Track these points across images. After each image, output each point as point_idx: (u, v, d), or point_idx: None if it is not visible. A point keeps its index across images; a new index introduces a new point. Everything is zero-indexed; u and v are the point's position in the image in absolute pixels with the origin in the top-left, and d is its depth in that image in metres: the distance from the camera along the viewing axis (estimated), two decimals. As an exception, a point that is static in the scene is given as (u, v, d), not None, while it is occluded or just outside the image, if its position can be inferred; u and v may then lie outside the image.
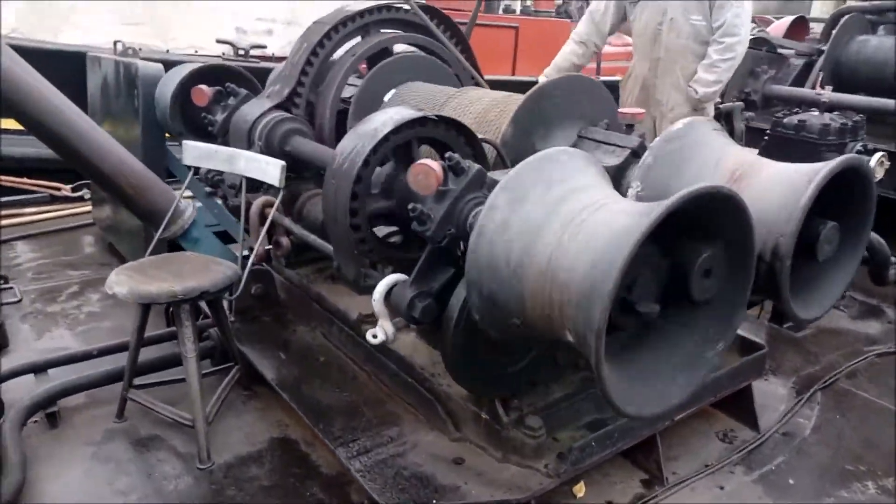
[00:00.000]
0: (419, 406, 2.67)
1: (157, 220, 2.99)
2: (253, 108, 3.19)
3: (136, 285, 2.54)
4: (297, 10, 7.14)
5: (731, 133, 4.76)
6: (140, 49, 4.75)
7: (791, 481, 2.76)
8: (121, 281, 2.56)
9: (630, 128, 2.46)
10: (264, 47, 6.76)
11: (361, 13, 3.29)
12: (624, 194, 2.24)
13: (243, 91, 3.41)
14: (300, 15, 6.92)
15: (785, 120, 4.03)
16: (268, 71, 3.80)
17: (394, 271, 2.39)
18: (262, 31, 7.20)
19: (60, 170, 5.01)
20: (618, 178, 2.31)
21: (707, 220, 1.58)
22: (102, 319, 3.81)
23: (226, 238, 3.90)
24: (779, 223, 1.81)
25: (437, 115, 2.22)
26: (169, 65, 4.06)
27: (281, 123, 3.06)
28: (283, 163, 2.78)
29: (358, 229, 2.21)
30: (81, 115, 2.97)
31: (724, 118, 4.68)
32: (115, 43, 4.38)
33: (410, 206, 1.98)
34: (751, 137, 5.15)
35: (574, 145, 2.49)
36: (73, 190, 5.68)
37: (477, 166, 2.02)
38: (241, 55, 6.27)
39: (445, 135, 2.29)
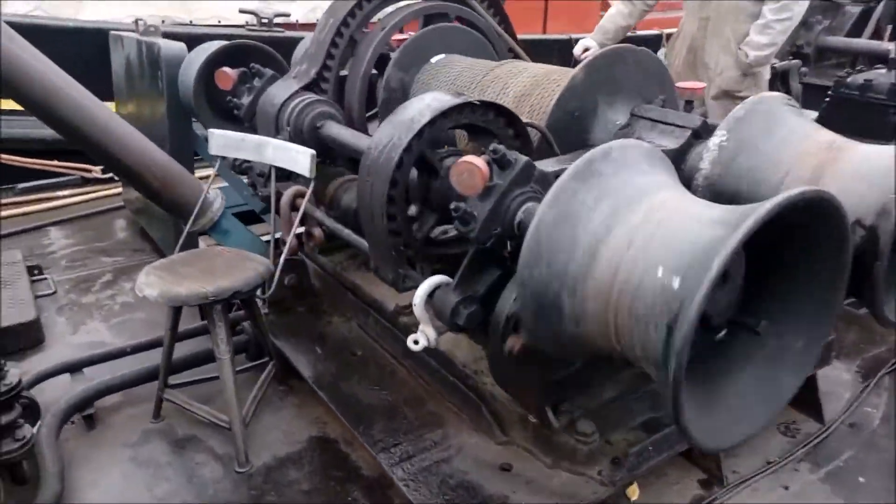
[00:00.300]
0: (462, 406, 2.54)
1: (185, 214, 2.88)
2: (279, 91, 3.02)
3: (167, 287, 2.43)
4: (321, -24, 6.88)
5: (788, 94, 4.42)
6: (163, 21, 4.59)
7: (861, 479, 2.59)
8: (151, 282, 2.46)
9: (689, 104, 2.24)
10: (288, 15, 6.55)
11: (389, -17, 3.08)
12: (687, 181, 2.05)
13: (269, 71, 3.24)
14: (324, -20, 6.66)
15: (849, 79, 3.73)
16: (293, 41, 3.62)
17: (434, 271, 2.25)
18: (285, -3, 6.97)
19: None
20: (678, 161, 2.10)
21: (794, 220, 1.39)
22: (136, 310, 3.75)
23: (253, 218, 3.78)
24: (873, 216, 1.61)
25: (479, 101, 2.03)
26: (192, 38, 3.91)
27: (309, 107, 2.89)
28: (313, 152, 2.63)
29: (397, 232, 2.05)
30: (101, 106, 2.84)
31: (780, 78, 4.35)
32: (136, 21, 4.23)
33: (453, 206, 1.81)
34: (805, 95, 4.82)
35: (627, 125, 2.28)
36: (104, 171, 5.61)
37: (524, 158, 1.84)
38: (264, 24, 6.08)
39: (486, 120, 2.10)
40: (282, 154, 2.70)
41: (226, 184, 3.77)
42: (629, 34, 4.61)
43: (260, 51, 3.59)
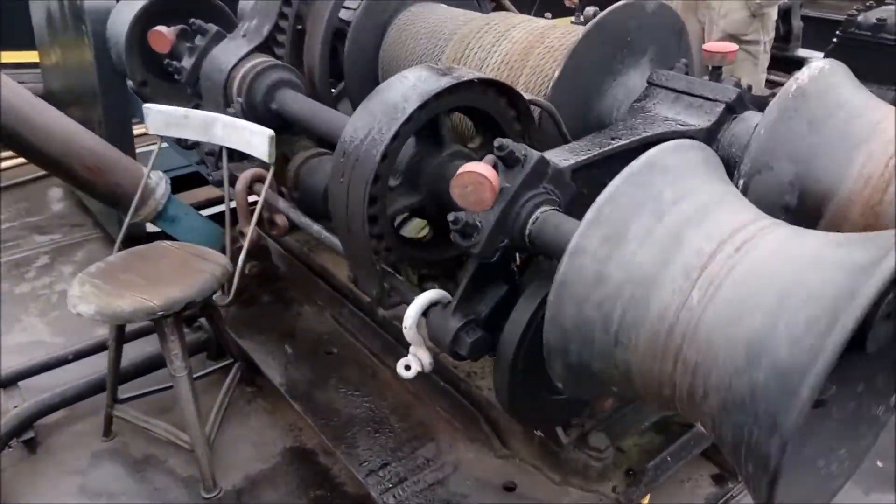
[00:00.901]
0: (455, 414, 2.28)
1: (124, 204, 2.48)
2: (227, 54, 2.58)
3: (106, 301, 2.07)
4: None
5: (789, 35, 4.06)
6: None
7: (880, 464, 2.45)
8: (86, 295, 2.09)
9: (717, 71, 1.92)
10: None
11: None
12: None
13: (212, 27, 2.77)
14: None
15: (859, 18, 3.40)
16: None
17: (422, 276, 1.93)
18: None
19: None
20: (708, 143, 1.80)
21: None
22: (79, 298, 3.35)
23: (202, 180, 3.33)
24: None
25: (477, 79, 1.67)
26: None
27: (263, 74, 2.47)
28: (271, 133, 2.24)
29: (379, 237, 1.72)
30: (13, 88, 2.36)
31: (781, 17, 3.99)
32: (52, -37, 3.65)
33: (451, 218, 1.48)
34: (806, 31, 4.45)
35: (644, 97, 1.96)
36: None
37: (535, 155, 1.51)
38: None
39: (484, 100, 1.75)
40: (234, 134, 2.31)
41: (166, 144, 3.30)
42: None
43: (201, 1, 3.10)
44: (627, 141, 1.73)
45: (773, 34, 3.53)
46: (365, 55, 2.66)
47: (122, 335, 2.30)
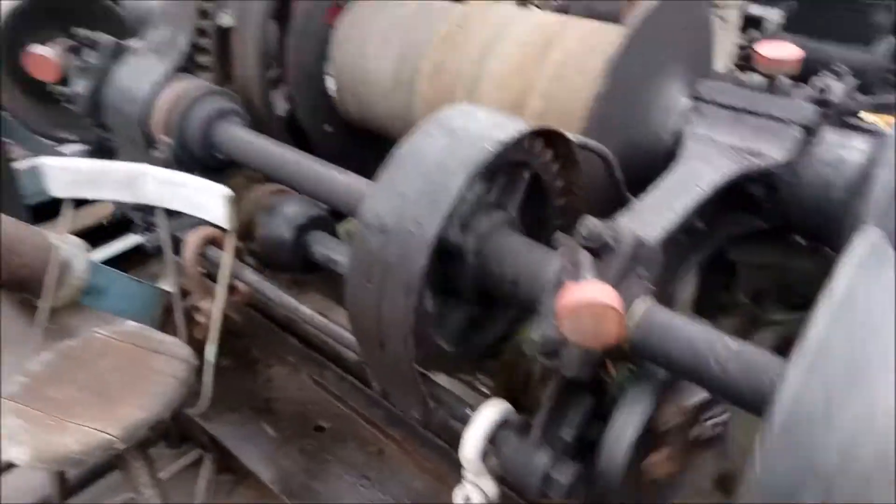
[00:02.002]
0: None
1: (33, 289, 1.91)
2: (138, 78, 2.03)
3: (44, 438, 1.58)
4: None
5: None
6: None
7: None
8: (15, 433, 1.59)
9: (771, 81, 1.60)
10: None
11: None
12: (808, 214, 1.46)
13: (108, 39, 2.18)
14: None
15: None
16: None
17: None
18: None
19: None
20: (788, 180, 1.50)
21: None
22: None
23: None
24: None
25: (529, 130, 1.28)
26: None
27: (198, 105, 1.94)
28: (228, 192, 1.75)
29: (422, 341, 1.33)
30: None
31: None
32: None
33: (537, 337, 1.12)
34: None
35: (694, 118, 1.62)
36: None
37: (631, 236, 1.17)
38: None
39: (526, 153, 1.37)
40: (173, 192, 1.80)
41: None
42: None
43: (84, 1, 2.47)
44: (707, 190, 1.40)
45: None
46: (307, 58, 2.20)
47: (65, 484, 1.81)
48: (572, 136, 1.40)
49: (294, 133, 2.32)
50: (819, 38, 3.14)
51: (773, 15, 3.65)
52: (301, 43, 2.17)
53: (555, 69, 1.72)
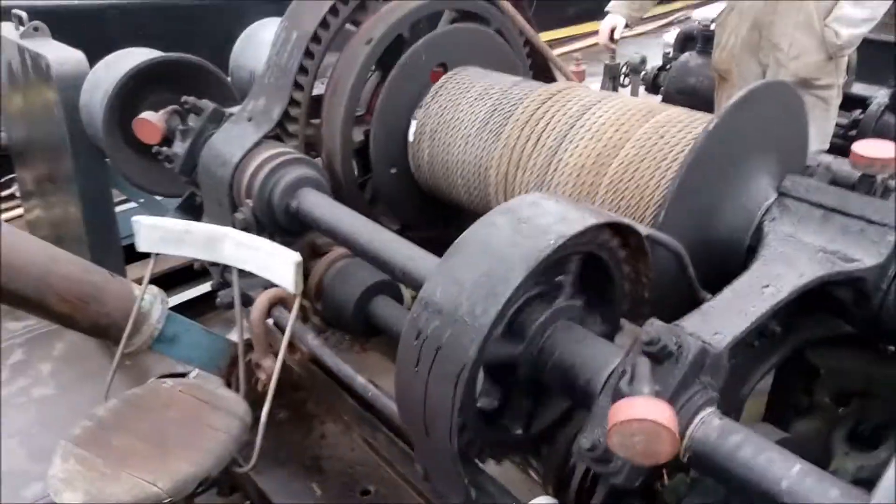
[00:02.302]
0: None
1: (112, 334, 2.03)
2: (230, 143, 2.15)
3: (98, 486, 1.63)
4: None
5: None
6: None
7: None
8: (71, 478, 1.65)
9: (868, 180, 1.52)
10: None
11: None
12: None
13: (208, 105, 2.33)
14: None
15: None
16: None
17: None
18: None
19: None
20: (879, 285, 1.41)
21: None
22: (60, 403, 2.89)
23: None
24: None
25: (601, 222, 1.26)
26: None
27: (280, 171, 2.04)
28: (297, 258, 1.81)
29: (463, 429, 1.30)
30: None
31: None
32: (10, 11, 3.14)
33: (587, 445, 1.08)
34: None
35: (778, 215, 1.56)
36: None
37: (696, 345, 1.13)
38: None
39: (593, 244, 1.34)
40: (248, 254, 1.87)
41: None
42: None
43: (192, 66, 2.66)
44: (786, 295, 1.33)
45: (846, 76, 3.11)
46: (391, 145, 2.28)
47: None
48: (643, 228, 1.37)
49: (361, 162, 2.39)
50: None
51: (879, 95, 3.49)
52: (398, 83, 2.24)
53: (626, 160, 1.71)
